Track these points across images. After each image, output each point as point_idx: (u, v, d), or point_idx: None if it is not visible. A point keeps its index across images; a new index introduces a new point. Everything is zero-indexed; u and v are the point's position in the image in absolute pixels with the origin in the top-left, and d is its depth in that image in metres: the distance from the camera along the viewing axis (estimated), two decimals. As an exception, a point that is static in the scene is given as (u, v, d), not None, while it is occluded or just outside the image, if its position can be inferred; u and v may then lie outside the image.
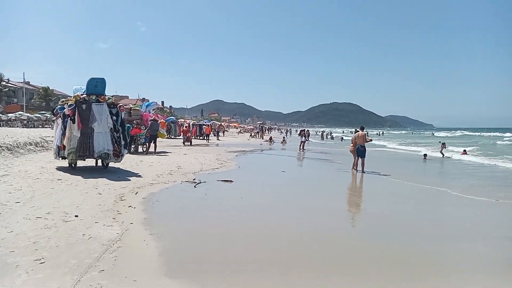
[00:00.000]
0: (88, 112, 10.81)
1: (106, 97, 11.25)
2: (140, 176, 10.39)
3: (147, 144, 18.28)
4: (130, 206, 6.63)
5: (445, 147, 24.54)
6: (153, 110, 21.85)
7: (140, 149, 18.49)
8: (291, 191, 9.62)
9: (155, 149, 18.01)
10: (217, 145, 29.16)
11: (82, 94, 11.04)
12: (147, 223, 5.66)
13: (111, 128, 11.01)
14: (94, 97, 10.95)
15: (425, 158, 21.80)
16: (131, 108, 19.92)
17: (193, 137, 37.26)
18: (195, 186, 9.09)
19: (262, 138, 46.25)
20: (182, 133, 30.66)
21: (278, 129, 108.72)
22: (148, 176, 10.39)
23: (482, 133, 75.18)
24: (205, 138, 34.87)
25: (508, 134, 61.29)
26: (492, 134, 70.15)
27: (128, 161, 13.75)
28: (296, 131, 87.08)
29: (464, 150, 25.12)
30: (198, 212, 6.72)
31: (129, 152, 17.89)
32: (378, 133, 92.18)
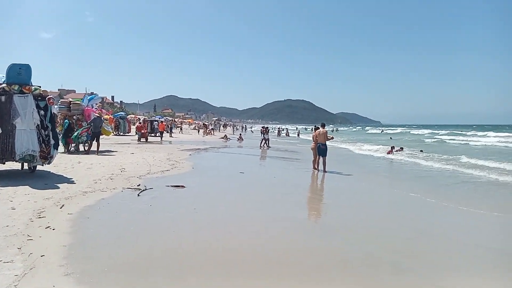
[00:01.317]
0: (8, 105, 8.99)
1: (32, 87, 9.42)
2: (73, 182, 8.75)
3: (89, 142, 16.35)
4: (49, 227, 5.10)
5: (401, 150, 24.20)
6: (96, 104, 19.75)
7: (82, 148, 16.54)
8: (252, 197, 8.43)
9: (97, 148, 16.12)
10: (170, 142, 27.38)
11: (1, 84, 9.18)
12: (65, 254, 4.18)
13: (38, 125, 9.25)
14: (16, 88, 9.12)
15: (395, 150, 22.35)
16: (70, 102, 17.77)
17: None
18: (138, 195, 7.64)
19: (213, 135, 44.77)
20: (137, 130, 29.12)
21: (234, 126, 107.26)
22: (83, 182, 8.78)
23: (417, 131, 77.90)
24: (159, 135, 32.19)
25: (443, 131, 64.23)
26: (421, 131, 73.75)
27: (63, 163, 11.96)
28: (251, 127, 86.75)
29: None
30: (140, 234, 5.21)
31: (68, 152, 15.93)
32: (332, 129, 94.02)
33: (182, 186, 8.79)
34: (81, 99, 19.04)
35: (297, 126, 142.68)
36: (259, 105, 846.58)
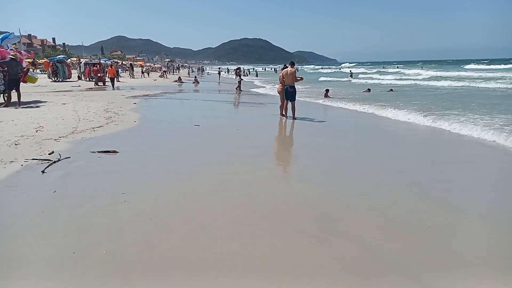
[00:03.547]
0: None
1: None
2: (-46, 152, 6.18)
3: (7, 92, 13.21)
4: None
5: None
6: (12, 44, 16.07)
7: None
8: (208, 162, 6.25)
9: (18, 99, 13.07)
10: (117, 88, 23.97)
11: None
12: None
13: None
14: None
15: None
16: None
17: (87, 79, 31.28)
18: (43, 171, 5.27)
19: (166, 78, 41.19)
20: (93, 73, 27.53)
21: (189, 67, 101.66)
22: (-30, 151, 6.23)
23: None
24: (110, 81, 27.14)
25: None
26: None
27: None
28: (204, 70, 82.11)
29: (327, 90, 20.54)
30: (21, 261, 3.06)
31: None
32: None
33: (114, 152, 6.47)
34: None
35: (253, 66, 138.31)
36: (214, 45, 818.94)
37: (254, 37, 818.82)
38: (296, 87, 12.17)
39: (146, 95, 18.85)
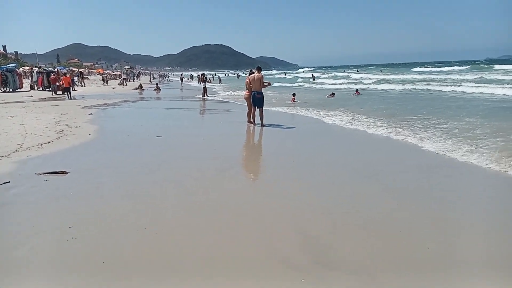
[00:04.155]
0: None
1: None
2: None
3: None
4: None
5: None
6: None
7: None
8: (172, 179, 5.57)
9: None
10: (73, 98, 22.51)
11: None
12: None
13: None
14: None
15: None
16: None
17: (40, 89, 29.39)
18: (-29, 203, 4.41)
19: (126, 85, 39.64)
20: (52, 82, 26.19)
21: (150, 74, 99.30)
22: None
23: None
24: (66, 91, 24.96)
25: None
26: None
27: None
28: (165, 76, 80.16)
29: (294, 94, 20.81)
30: None
31: None
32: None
33: (63, 172, 5.64)
34: None
35: (215, 72, 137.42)
36: (176, 51, 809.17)
37: (216, 43, 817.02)
38: (263, 93, 11.70)
39: (103, 105, 17.73)
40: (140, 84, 35.52)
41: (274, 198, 4.87)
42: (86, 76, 50.03)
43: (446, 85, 25.51)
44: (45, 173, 5.56)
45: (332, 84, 37.53)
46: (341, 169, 6.37)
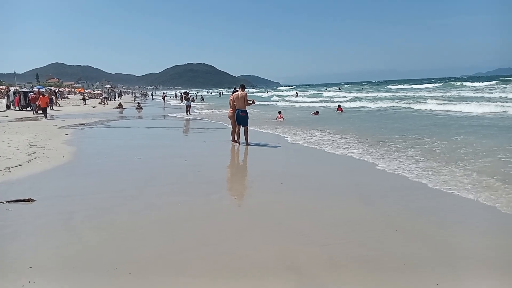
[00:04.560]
0: None
1: None
2: None
3: None
4: None
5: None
6: None
7: None
8: (152, 205, 5.13)
9: None
10: (52, 117, 21.78)
11: None
12: None
13: None
14: None
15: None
16: None
17: (17, 108, 28.45)
18: None
19: (106, 104, 38.90)
20: (31, 101, 26.23)
21: (133, 93, 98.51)
22: None
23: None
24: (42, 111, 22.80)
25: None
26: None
27: None
28: (147, 95, 79.44)
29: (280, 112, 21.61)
30: None
31: None
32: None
33: (29, 200, 5.10)
34: None
35: (197, 90, 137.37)
36: (158, 70, 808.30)
37: (199, 62, 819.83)
38: (247, 111, 11.40)
39: (82, 124, 17.08)
40: (120, 103, 34.84)
41: (262, 224, 4.46)
42: (66, 96, 48.95)
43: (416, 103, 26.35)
44: (9, 201, 5.03)
45: (315, 102, 37.74)
46: (332, 192, 6.02)
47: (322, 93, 56.79)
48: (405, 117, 18.40)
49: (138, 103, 34.44)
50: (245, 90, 11.57)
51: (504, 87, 42.47)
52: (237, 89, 11.76)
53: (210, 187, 6.20)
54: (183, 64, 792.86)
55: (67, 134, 12.83)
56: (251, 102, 11.81)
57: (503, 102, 22.60)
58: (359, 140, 10.97)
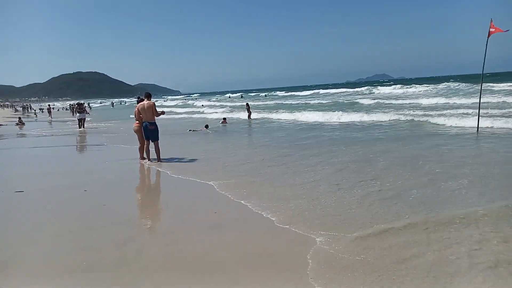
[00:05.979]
0: None
1: None
2: None
3: None
4: None
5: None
6: None
7: None
8: (37, 272, 3.55)
9: None
10: None
11: None
12: None
13: None
14: None
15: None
16: None
17: None
18: None
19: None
20: None
21: (12, 106, 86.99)
22: None
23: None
24: None
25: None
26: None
27: None
28: (30, 108, 70.28)
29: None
30: None
31: None
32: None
33: None
34: None
35: (88, 101, 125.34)
36: (43, 80, 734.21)
37: (89, 70, 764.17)
38: (157, 123, 9.93)
39: None
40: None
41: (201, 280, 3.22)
42: None
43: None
44: None
45: (216, 113, 32.49)
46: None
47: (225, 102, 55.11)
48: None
49: (19, 118, 29.75)
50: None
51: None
52: (142, 98, 10.18)
53: (123, 231, 4.70)
54: (72, 72, 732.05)
55: None
56: (160, 112, 10.35)
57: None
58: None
